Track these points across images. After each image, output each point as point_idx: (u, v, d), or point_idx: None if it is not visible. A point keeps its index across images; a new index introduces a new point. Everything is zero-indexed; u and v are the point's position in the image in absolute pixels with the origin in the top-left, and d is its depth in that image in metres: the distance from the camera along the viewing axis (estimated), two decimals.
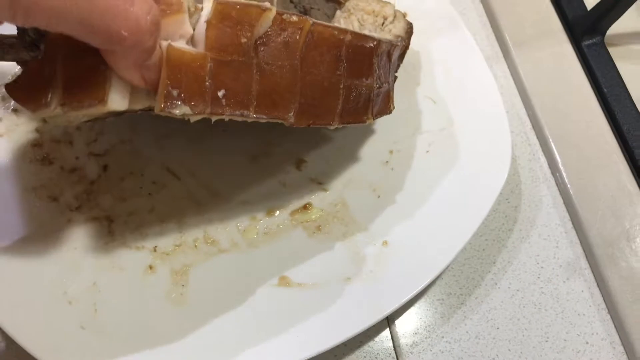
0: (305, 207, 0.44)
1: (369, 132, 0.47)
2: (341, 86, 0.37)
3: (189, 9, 0.31)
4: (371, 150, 0.47)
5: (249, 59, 0.32)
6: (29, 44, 0.30)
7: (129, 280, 0.39)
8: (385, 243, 0.42)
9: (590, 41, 0.55)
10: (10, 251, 0.39)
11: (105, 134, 0.45)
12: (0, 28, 0.27)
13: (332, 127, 0.38)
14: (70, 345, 0.36)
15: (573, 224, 0.48)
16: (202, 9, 0.32)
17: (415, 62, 0.50)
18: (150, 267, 0.40)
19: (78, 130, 0.45)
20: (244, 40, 0.32)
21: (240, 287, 0.40)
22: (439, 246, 0.41)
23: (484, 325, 0.43)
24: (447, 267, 0.42)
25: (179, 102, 0.30)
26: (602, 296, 0.44)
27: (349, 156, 0.46)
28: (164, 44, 0.29)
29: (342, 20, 0.45)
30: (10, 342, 0.35)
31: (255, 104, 0.33)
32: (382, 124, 0.47)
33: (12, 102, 0.44)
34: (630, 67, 0.54)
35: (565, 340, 0.42)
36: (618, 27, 0.55)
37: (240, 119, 0.33)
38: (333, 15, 0.45)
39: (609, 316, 0.44)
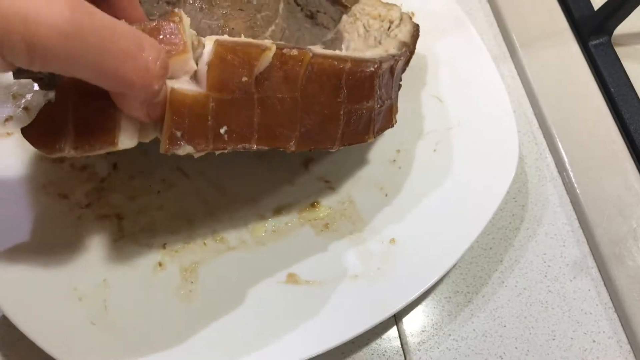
0: (313, 206, 0.44)
1: None
2: (341, 112, 0.37)
3: (192, 44, 0.31)
4: (378, 149, 0.47)
5: (250, 95, 0.33)
6: (44, 85, 0.31)
7: (139, 277, 0.40)
8: (392, 241, 0.42)
9: (597, 41, 0.55)
10: (20, 248, 0.39)
11: None
12: None
13: (333, 150, 0.38)
14: (80, 340, 0.36)
15: (580, 222, 0.48)
16: (204, 45, 0.32)
17: (422, 62, 0.51)
18: (160, 264, 0.40)
19: None
20: (245, 79, 0.32)
21: (248, 284, 0.40)
22: (446, 244, 0.41)
23: (491, 323, 0.43)
24: (454, 266, 0.42)
25: (183, 143, 0.31)
26: (609, 295, 0.45)
27: (356, 155, 0.46)
28: (168, 84, 0.30)
29: (348, 26, 0.45)
30: (21, 336, 0.36)
31: (256, 137, 0.34)
32: None
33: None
34: (638, 67, 0.54)
35: (572, 338, 0.43)
36: (625, 27, 0.55)
37: (242, 150, 0.34)
38: (339, 19, 0.45)
39: (615, 315, 0.44)
